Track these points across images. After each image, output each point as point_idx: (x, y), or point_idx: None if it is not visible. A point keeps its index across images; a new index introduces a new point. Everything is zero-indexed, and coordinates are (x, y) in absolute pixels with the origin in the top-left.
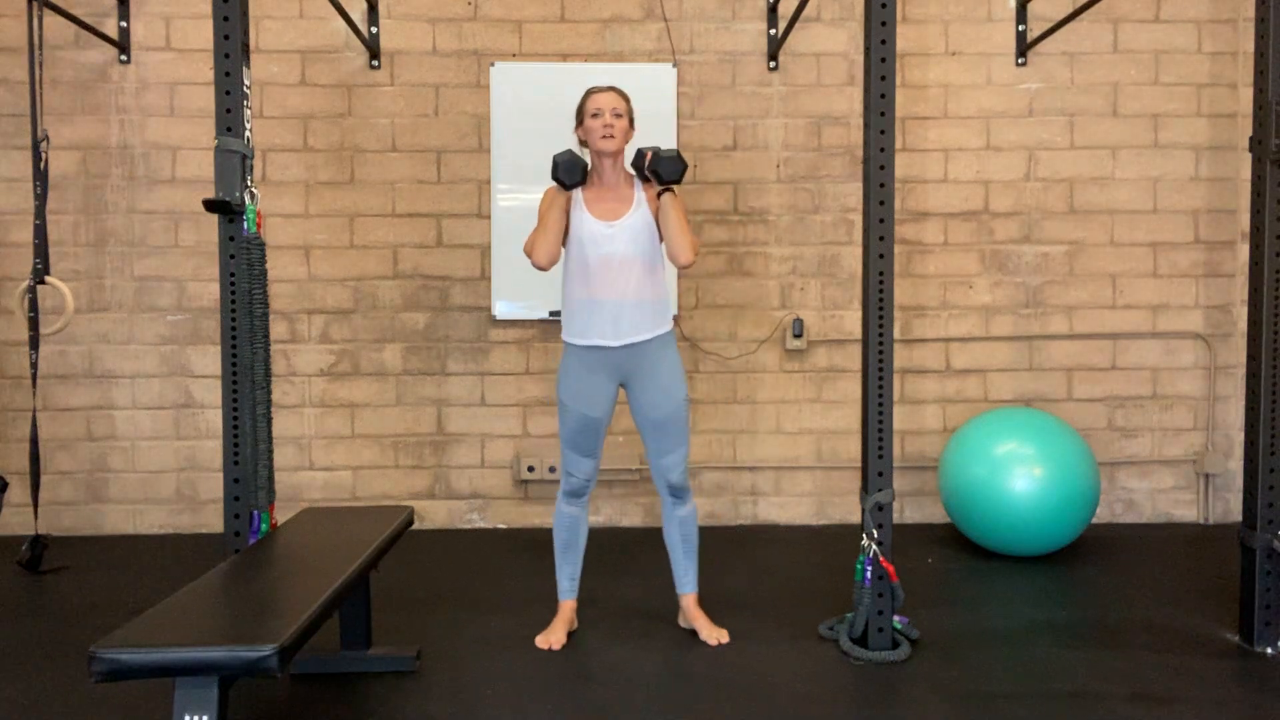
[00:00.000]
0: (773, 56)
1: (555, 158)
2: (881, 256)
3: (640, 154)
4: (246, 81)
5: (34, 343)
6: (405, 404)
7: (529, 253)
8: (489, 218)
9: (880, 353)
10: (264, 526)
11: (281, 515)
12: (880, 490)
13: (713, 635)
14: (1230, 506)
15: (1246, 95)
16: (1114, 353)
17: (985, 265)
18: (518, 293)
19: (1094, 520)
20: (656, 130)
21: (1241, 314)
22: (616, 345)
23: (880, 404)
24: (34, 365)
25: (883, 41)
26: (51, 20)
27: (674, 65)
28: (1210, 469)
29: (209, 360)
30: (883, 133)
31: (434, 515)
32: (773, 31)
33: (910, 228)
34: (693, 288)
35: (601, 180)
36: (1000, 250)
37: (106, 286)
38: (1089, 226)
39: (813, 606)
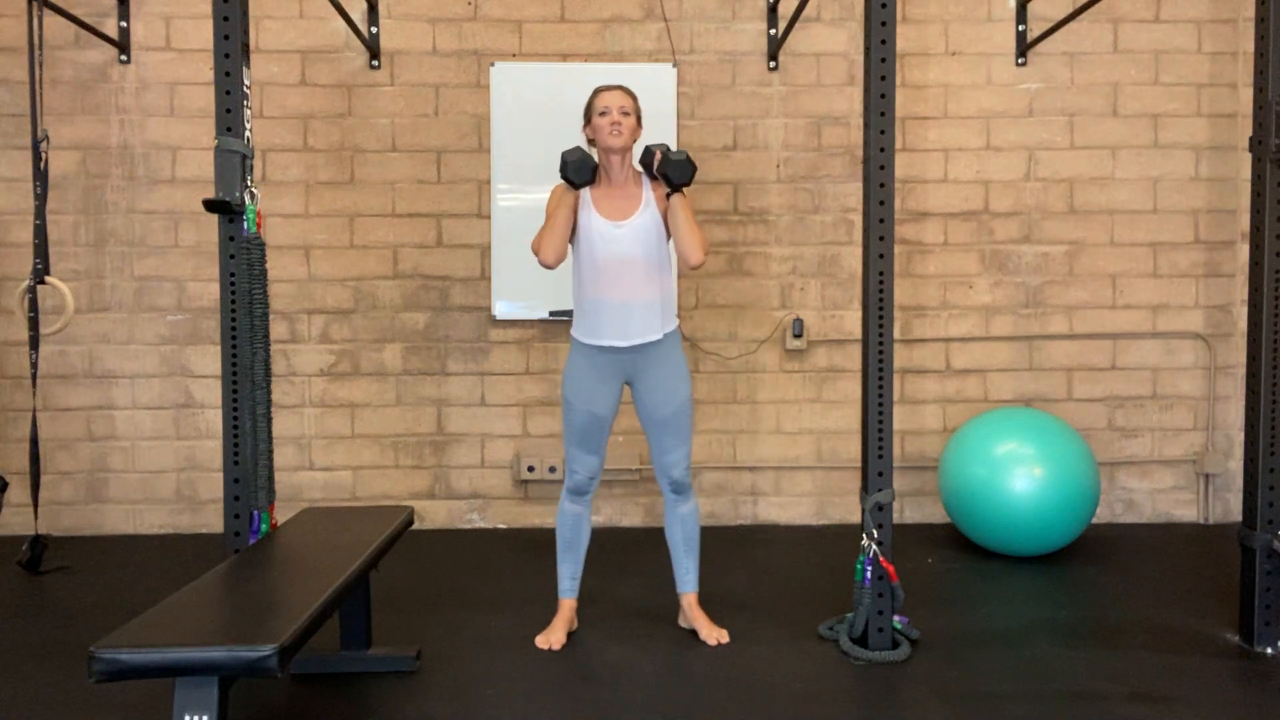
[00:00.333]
0: (773, 56)
1: (565, 155)
2: (881, 256)
3: (649, 152)
4: (246, 81)
5: (34, 343)
6: (405, 404)
7: (536, 251)
8: (489, 218)
9: (880, 353)
10: (264, 526)
11: (281, 515)
12: (880, 490)
13: (712, 635)
14: (1230, 506)
15: (1246, 95)
16: (1114, 353)
17: (985, 265)
18: (518, 293)
19: (1094, 520)
20: (657, 130)
21: (1241, 314)
22: (625, 346)
23: (880, 404)
24: (34, 365)
25: (883, 41)
26: (51, 20)
27: (674, 65)
28: (1210, 469)
29: (209, 360)
30: (883, 133)
31: (434, 515)
32: (773, 31)
33: (910, 228)
34: (693, 288)
35: (609, 178)
36: (1000, 250)
37: (106, 286)
38: (1089, 226)
39: (813, 606)
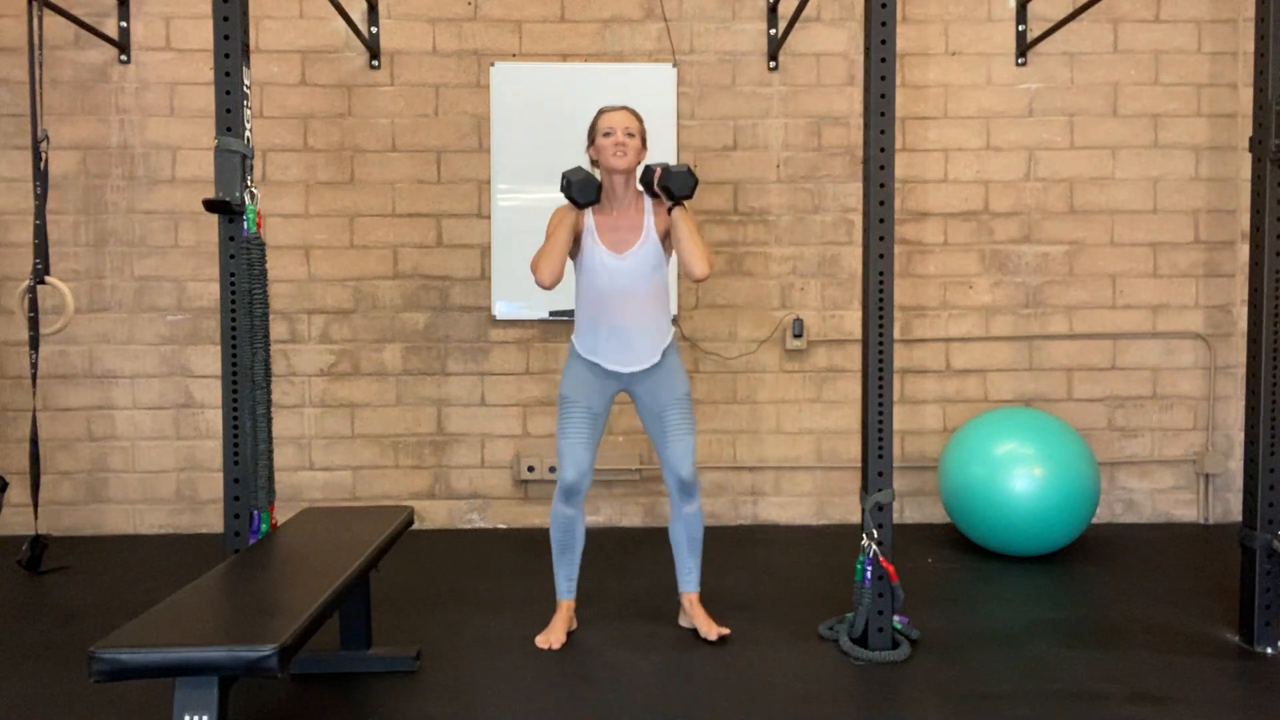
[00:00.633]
0: (773, 56)
1: (568, 175)
2: (881, 256)
3: (649, 170)
4: (246, 81)
5: (34, 343)
6: (405, 404)
7: (533, 270)
8: (489, 218)
9: (880, 353)
10: (264, 526)
11: (281, 515)
12: (880, 490)
13: (713, 630)
14: (1230, 506)
15: (1246, 95)
16: (1114, 353)
17: (985, 265)
18: (518, 293)
19: (1094, 520)
20: (657, 130)
21: (1241, 314)
22: (624, 372)
23: (880, 404)
24: (34, 365)
25: (883, 41)
26: (51, 20)
27: (674, 65)
28: (1210, 469)
29: (209, 360)
30: (883, 133)
31: (434, 515)
32: (773, 31)
33: (910, 228)
34: (693, 288)
35: (612, 201)
36: (1000, 250)
37: (106, 286)
38: (1089, 226)
39: (813, 606)
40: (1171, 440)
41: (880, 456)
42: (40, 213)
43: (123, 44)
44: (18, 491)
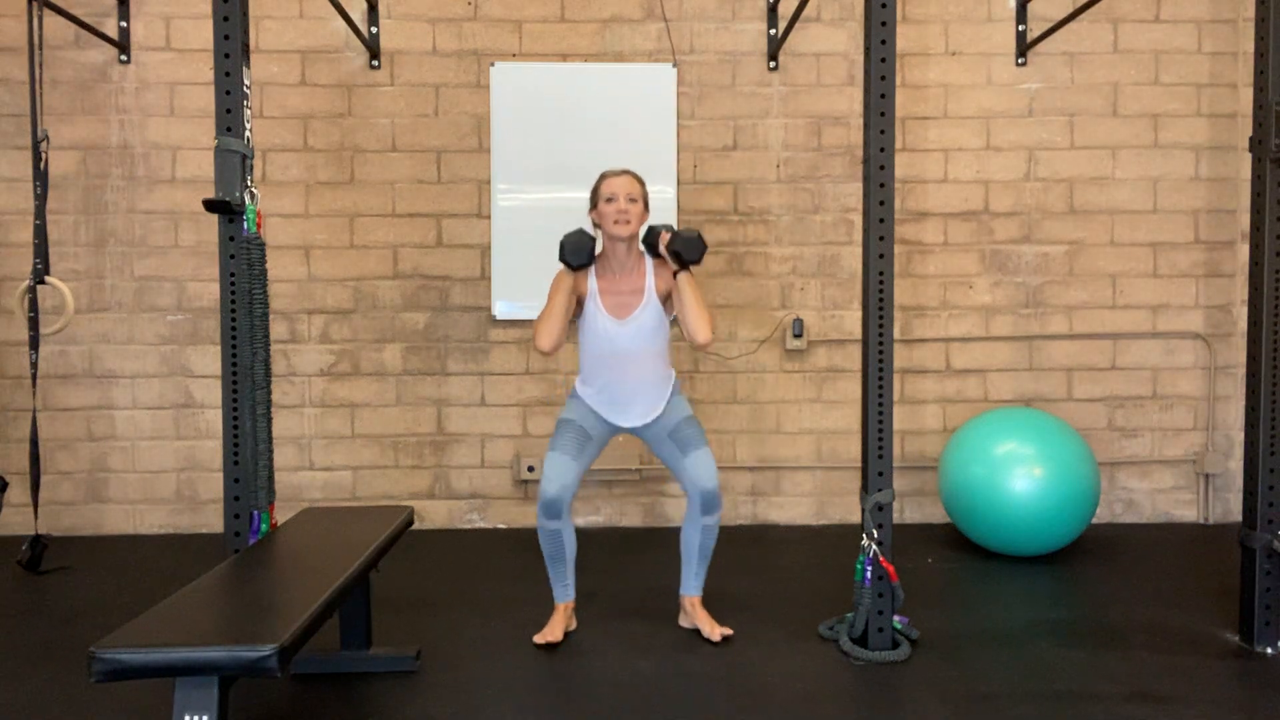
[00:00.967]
0: (773, 56)
1: (562, 240)
2: (881, 256)
3: (653, 232)
4: (246, 81)
5: (34, 343)
6: (405, 404)
7: (534, 336)
8: (489, 218)
9: (880, 353)
10: (264, 526)
11: (281, 515)
12: (880, 490)
13: (715, 631)
14: (1230, 506)
15: (1246, 95)
16: (1114, 353)
17: (985, 265)
18: (518, 293)
19: (1094, 520)
20: (656, 130)
21: (1241, 314)
22: (626, 426)
23: (880, 404)
24: (34, 365)
25: (883, 41)
26: (51, 20)
27: (674, 65)
28: (1210, 469)
29: (209, 360)
30: (883, 133)
31: (434, 515)
32: (773, 31)
33: (910, 228)
34: None
35: (613, 265)
36: (1000, 250)
37: (106, 286)
38: (1089, 226)
39: (813, 606)
40: (1171, 440)
41: (880, 456)
42: (40, 213)
43: (123, 44)
44: (18, 491)
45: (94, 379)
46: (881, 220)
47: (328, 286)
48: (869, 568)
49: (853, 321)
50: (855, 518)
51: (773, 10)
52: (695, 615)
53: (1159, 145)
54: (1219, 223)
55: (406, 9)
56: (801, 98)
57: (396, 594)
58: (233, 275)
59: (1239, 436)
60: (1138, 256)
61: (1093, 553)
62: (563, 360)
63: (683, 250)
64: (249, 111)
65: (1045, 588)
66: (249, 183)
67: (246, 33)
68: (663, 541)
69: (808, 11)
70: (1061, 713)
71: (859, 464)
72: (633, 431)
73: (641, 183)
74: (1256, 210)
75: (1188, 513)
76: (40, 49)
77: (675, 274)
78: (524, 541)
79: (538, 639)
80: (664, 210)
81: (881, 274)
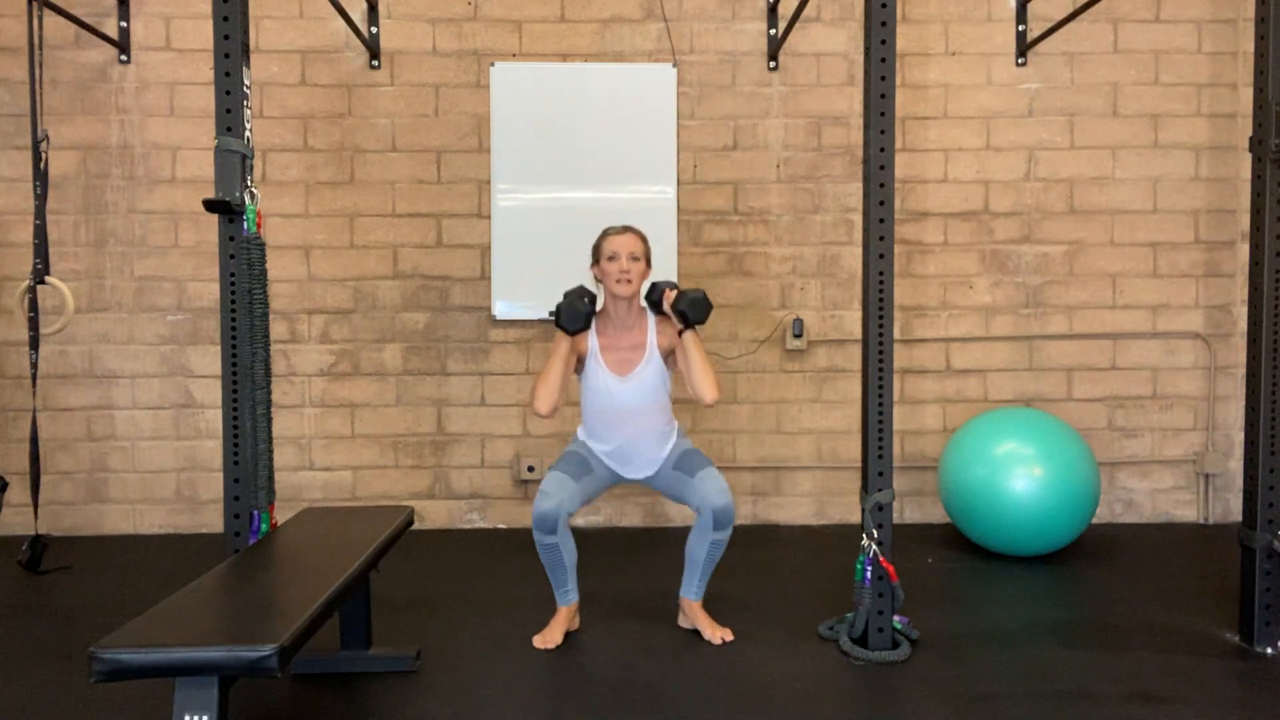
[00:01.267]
0: (773, 56)
1: (559, 305)
2: (881, 256)
3: (657, 289)
4: (246, 81)
5: (34, 343)
6: (405, 404)
7: (532, 399)
8: (489, 218)
9: (880, 353)
10: (264, 526)
11: (281, 515)
12: (880, 490)
13: (716, 634)
14: (1230, 506)
15: (1246, 95)
16: (1114, 353)
17: (985, 265)
18: (518, 293)
19: (1094, 520)
20: (656, 130)
21: (1241, 314)
22: (629, 478)
23: (880, 404)
24: (34, 365)
25: (883, 41)
26: (51, 20)
27: (674, 65)
28: (1210, 469)
29: (209, 360)
30: (883, 133)
31: (434, 515)
32: (773, 31)
33: (910, 228)
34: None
35: (615, 322)
36: (1000, 250)
37: (106, 286)
38: (1089, 226)
39: (813, 606)
40: (1171, 440)
41: (880, 456)
42: (40, 213)
43: (123, 44)
44: (18, 491)
45: (94, 379)
46: (881, 220)
47: (328, 286)
48: (869, 568)
49: (853, 321)
50: (855, 518)
51: (773, 10)
52: (695, 617)
53: (1159, 145)
54: (1219, 223)
55: (406, 9)
56: (801, 98)
57: (396, 594)
58: (233, 275)
59: (1239, 436)
60: (1138, 256)
61: (1093, 553)
62: None
63: (688, 310)
64: (249, 111)
65: (1045, 588)
66: (249, 183)
67: (246, 33)
68: (663, 542)
69: (808, 11)
70: (1061, 713)
71: (859, 464)
72: (637, 481)
73: (644, 239)
74: (1256, 210)
75: (1188, 513)
76: (40, 49)
77: (680, 332)
78: (524, 541)
79: (537, 641)
80: (664, 210)
81: (881, 274)
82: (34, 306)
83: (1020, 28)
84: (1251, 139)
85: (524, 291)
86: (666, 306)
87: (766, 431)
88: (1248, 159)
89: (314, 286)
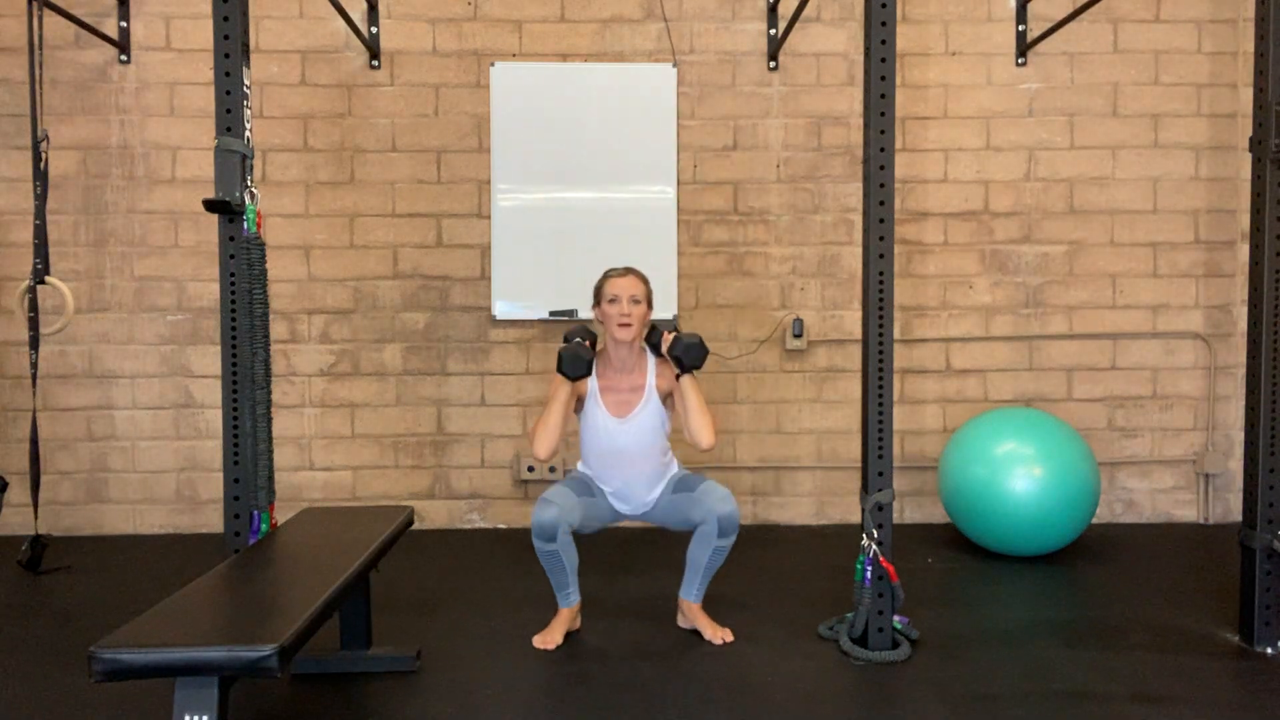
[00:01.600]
0: (773, 56)
1: (561, 351)
2: (881, 256)
3: (656, 330)
4: (246, 81)
5: (34, 343)
6: (405, 404)
7: (531, 442)
8: (489, 218)
9: (880, 353)
10: (264, 526)
11: (281, 515)
12: (880, 490)
13: (717, 635)
14: (1230, 506)
15: (1246, 95)
16: (1114, 353)
17: (985, 265)
18: (518, 293)
19: (1094, 520)
20: (656, 130)
21: (1241, 314)
22: (628, 514)
23: (880, 404)
24: (34, 365)
25: (883, 41)
26: (51, 20)
27: (674, 65)
28: (1210, 469)
29: (209, 360)
30: (883, 133)
31: (434, 515)
32: (773, 31)
33: (910, 228)
34: (693, 288)
35: (614, 363)
36: (1000, 250)
37: (106, 286)
38: (1089, 226)
39: (813, 606)
40: (1171, 440)
41: (880, 456)
42: (40, 213)
43: (123, 44)
44: (18, 491)
45: (94, 379)
46: (881, 220)
47: (328, 286)
48: (869, 568)
49: (853, 321)
50: (855, 518)
51: (773, 10)
52: (695, 618)
53: (1159, 145)
54: (1219, 223)
55: (406, 9)
56: (801, 98)
57: (396, 594)
58: (233, 275)
59: (1239, 436)
60: (1138, 256)
61: (1093, 553)
62: None
63: (684, 356)
64: (249, 111)
65: (1045, 588)
66: (249, 183)
67: (246, 33)
68: (663, 542)
69: (808, 11)
70: (1061, 713)
71: (859, 464)
72: (637, 518)
73: (645, 281)
74: (1256, 210)
75: (1188, 513)
76: (40, 49)
77: (678, 376)
78: (524, 541)
79: (537, 641)
80: (664, 210)
81: (881, 274)
82: (34, 306)
83: (1020, 28)
84: (1251, 139)
85: (524, 291)
86: (664, 351)
87: (766, 431)
88: (1248, 159)
89: (314, 286)
